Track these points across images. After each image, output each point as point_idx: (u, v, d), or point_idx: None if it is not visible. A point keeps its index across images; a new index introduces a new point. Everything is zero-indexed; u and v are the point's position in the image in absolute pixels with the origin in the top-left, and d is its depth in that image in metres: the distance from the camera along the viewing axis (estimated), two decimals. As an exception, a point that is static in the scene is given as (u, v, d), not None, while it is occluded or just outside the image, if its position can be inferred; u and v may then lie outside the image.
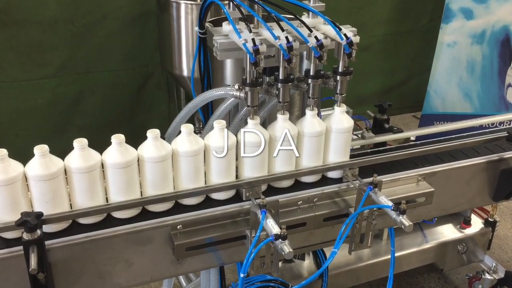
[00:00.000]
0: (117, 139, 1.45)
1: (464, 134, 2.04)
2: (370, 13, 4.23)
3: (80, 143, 1.42)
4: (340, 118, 1.70)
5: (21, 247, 1.35)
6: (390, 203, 1.56)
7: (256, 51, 1.50)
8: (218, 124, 1.56)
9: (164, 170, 1.53)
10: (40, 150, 1.38)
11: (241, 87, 1.64)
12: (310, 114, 1.67)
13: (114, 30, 3.47)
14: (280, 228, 1.43)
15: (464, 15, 3.91)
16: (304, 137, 1.68)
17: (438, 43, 4.02)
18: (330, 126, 1.70)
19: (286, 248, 1.40)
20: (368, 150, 1.95)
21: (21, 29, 3.23)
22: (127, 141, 1.49)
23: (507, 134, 1.92)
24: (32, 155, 1.39)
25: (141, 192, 1.57)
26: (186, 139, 1.53)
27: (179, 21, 2.82)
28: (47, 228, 1.44)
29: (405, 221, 1.52)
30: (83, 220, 1.51)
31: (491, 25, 3.91)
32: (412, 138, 2.25)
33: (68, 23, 3.34)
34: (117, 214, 1.54)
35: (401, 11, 4.33)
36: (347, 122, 1.71)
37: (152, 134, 1.49)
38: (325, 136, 1.71)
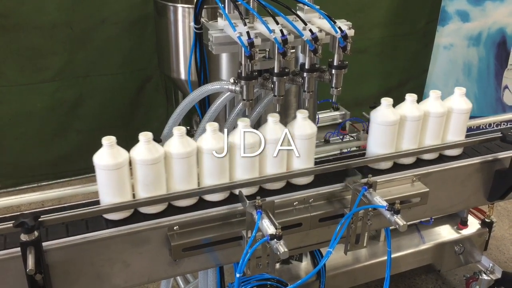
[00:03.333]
0: (145, 137, 1.50)
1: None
2: (367, 16, 4.24)
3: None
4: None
5: (19, 248, 1.36)
6: (385, 203, 1.57)
7: (251, 44, 1.51)
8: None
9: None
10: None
11: (236, 81, 1.65)
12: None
13: (113, 34, 3.49)
14: (276, 228, 1.45)
15: (461, 18, 3.93)
16: (430, 118, 1.94)
17: (435, 45, 4.04)
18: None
19: (281, 248, 1.41)
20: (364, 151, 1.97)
21: (20, 34, 3.25)
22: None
23: (501, 135, 1.94)
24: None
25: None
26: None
27: (176, 25, 2.85)
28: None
29: (399, 220, 1.53)
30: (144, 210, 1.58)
31: (487, 27, 3.93)
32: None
33: (67, 28, 3.35)
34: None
35: (398, 14, 4.35)
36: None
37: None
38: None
